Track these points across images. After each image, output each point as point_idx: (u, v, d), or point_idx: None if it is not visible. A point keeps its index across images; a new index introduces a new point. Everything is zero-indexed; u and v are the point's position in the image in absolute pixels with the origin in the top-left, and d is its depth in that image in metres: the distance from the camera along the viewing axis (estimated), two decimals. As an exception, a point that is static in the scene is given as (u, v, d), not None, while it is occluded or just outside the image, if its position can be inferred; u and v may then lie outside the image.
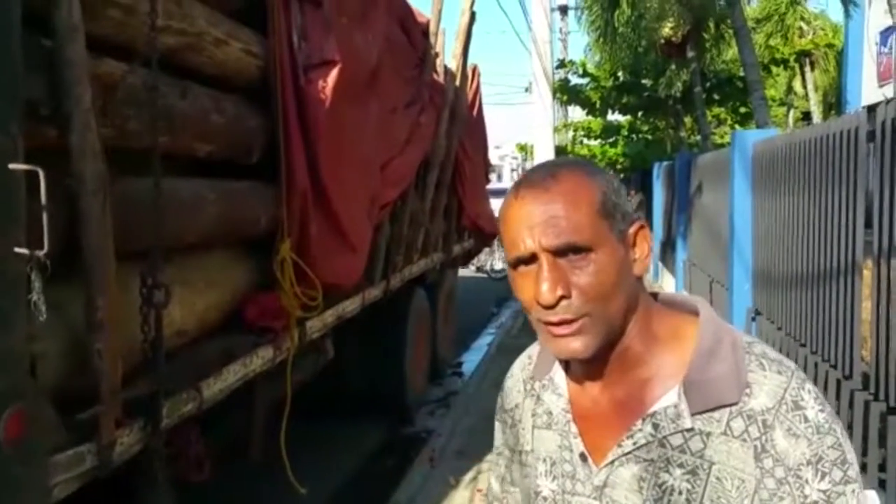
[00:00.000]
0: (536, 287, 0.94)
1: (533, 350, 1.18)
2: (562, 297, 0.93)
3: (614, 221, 0.96)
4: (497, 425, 1.22)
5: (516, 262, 0.98)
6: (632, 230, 0.99)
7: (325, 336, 4.05)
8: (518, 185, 1.00)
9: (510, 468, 1.18)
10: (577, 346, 0.95)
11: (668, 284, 10.99)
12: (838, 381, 3.45)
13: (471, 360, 8.20)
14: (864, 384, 3.26)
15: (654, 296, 1.07)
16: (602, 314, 0.95)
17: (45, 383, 1.78)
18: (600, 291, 0.94)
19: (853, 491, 0.90)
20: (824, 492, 0.89)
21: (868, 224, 3.24)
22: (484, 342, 9.16)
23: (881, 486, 2.98)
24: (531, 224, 0.95)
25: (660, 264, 12.44)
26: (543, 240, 0.94)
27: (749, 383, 0.94)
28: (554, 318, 0.95)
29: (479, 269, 14.53)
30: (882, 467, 2.98)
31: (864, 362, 3.37)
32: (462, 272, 8.42)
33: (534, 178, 0.98)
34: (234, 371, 2.81)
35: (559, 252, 0.94)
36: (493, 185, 10.72)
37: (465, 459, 4.82)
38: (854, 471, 0.91)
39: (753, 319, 5.37)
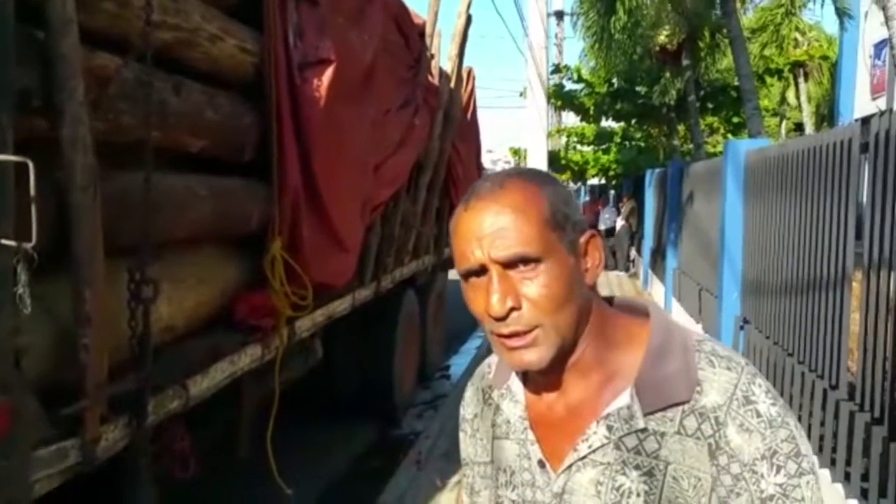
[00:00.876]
0: (487, 299, 0.94)
1: (492, 359, 1.17)
2: (512, 309, 0.94)
3: (563, 232, 0.96)
4: (461, 436, 1.21)
5: (467, 274, 0.98)
6: (583, 239, 0.99)
7: (314, 336, 4.04)
8: (468, 197, 1.00)
9: (475, 478, 1.18)
10: (531, 358, 0.96)
11: (657, 292, 11.02)
12: (825, 391, 3.46)
13: (459, 364, 8.20)
14: (849, 395, 3.28)
15: (610, 301, 1.08)
16: (554, 325, 0.95)
17: (30, 377, 1.76)
18: (551, 302, 0.94)
19: (808, 483, 0.90)
20: (780, 485, 0.89)
21: (858, 236, 3.26)
22: (473, 346, 9.16)
23: (863, 495, 2.99)
24: (480, 236, 0.94)
25: (650, 272, 12.48)
26: (492, 252, 0.94)
27: (700, 381, 0.94)
28: (505, 331, 0.95)
29: (469, 273, 14.50)
30: (865, 477, 3.00)
31: (850, 373, 3.38)
32: (452, 275, 8.40)
33: (483, 190, 0.98)
34: (222, 369, 2.80)
35: (508, 264, 0.94)
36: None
37: (451, 461, 4.81)
38: (808, 462, 0.92)
39: (741, 328, 5.39)
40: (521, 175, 1.00)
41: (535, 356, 0.95)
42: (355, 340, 5.38)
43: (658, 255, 11.27)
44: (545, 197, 0.97)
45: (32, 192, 1.56)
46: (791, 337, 4.16)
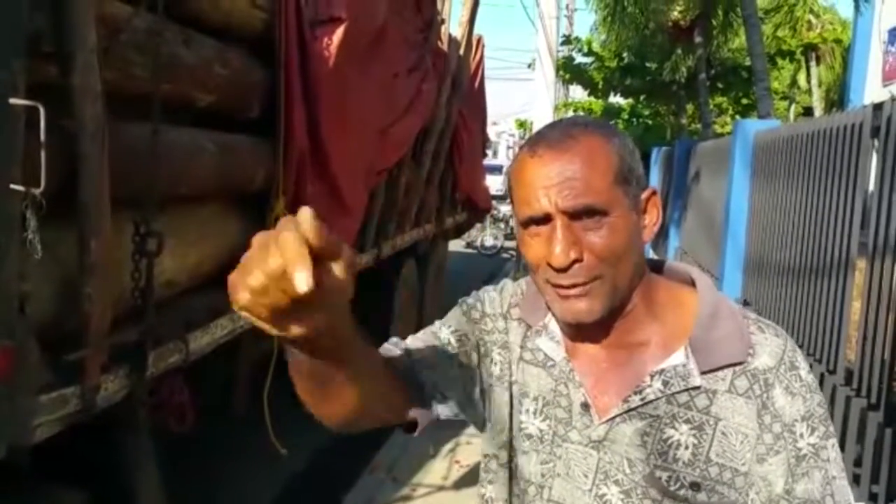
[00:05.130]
0: (549, 248, 0.94)
1: (523, 286, 1.16)
2: (574, 261, 0.93)
3: (629, 187, 0.96)
4: (459, 313, 1.16)
5: (528, 222, 0.97)
6: (644, 195, 1.00)
7: (314, 298, 4.03)
8: (534, 144, 0.98)
9: (436, 346, 1.12)
10: (584, 309, 0.96)
11: (657, 270, 10.99)
12: (822, 376, 3.48)
13: (456, 333, 8.18)
14: (846, 380, 3.29)
15: (654, 263, 1.10)
16: (611, 278, 0.95)
17: (33, 323, 1.76)
18: (612, 255, 0.94)
19: (833, 444, 0.98)
20: (813, 445, 0.96)
21: (864, 225, 3.25)
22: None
23: (855, 480, 3.02)
24: (548, 184, 0.93)
25: (651, 251, 12.48)
26: (560, 201, 0.93)
27: (752, 344, 0.99)
28: (565, 282, 0.95)
29: (469, 245, 14.50)
30: (858, 462, 3.02)
31: (848, 360, 3.39)
32: (452, 247, 8.37)
33: (552, 138, 0.97)
34: (222, 326, 2.80)
35: (574, 214, 0.93)
36: (489, 161, 10.63)
37: (444, 429, 4.83)
38: (832, 427, 0.99)
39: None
40: (590, 125, 0.99)
41: (588, 308, 0.96)
42: (354, 306, 5.36)
43: (660, 235, 11.26)
44: (614, 150, 0.96)
45: (42, 137, 1.55)
46: (791, 320, 4.16)
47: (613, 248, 0.94)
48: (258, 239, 0.70)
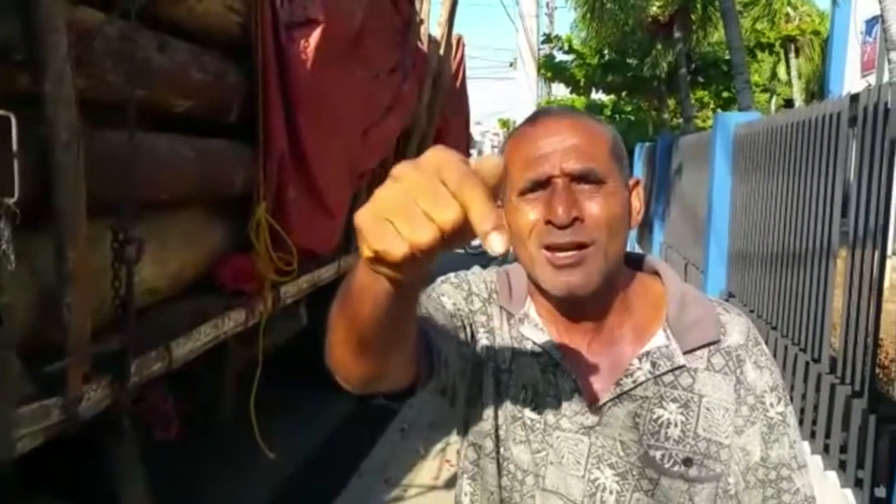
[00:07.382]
0: (549, 207, 0.95)
1: (493, 276, 1.14)
2: (575, 219, 0.95)
3: (621, 166, 1.01)
4: (449, 286, 1.11)
5: (527, 189, 0.97)
6: (631, 182, 1.04)
7: (299, 302, 4.03)
8: (535, 117, 1.03)
9: (437, 311, 1.05)
10: (580, 280, 0.96)
11: (643, 265, 11.03)
12: (807, 364, 3.50)
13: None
14: (831, 368, 3.31)
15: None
16: (604, 248, 0.96)
17: (13, 334, 1.75)
18: (608, 223, 0.96)
19: (791, 411, 1.06)
20: (780, 413, 1.04)
21: (844, 214, 3.27)
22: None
23: (841, 466, 3.04)
24: (552, 150, 0.97)
25: (637, 245, 12.52)
26: (565, 165, 0.96)
27: (723, 324, 1.06)
28: (564, 240, 0.95)
29: (456, 243, 14.47)
30: (843, 449, 3.04)
31: (832, 348, 3.41)
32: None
33: (552, 112, 1.04)
34: (205, 332, 2.79)
35: (576, 178, 0.96)
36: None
37: (435, 431, 4.84)
38: (788, 394, 1.08)
39: (726, 301, 5.42)
40: (580, 111, 1.07)
41: (585, 279, 0.96)
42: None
43: (644, 230, 11.30)
44: (608, 130, 1.03)
45: (15, 146, 1.53)
46: (775, 311, 4.19)
47: (609, 216, 0.96)
48: (414, 177, 0.60)
